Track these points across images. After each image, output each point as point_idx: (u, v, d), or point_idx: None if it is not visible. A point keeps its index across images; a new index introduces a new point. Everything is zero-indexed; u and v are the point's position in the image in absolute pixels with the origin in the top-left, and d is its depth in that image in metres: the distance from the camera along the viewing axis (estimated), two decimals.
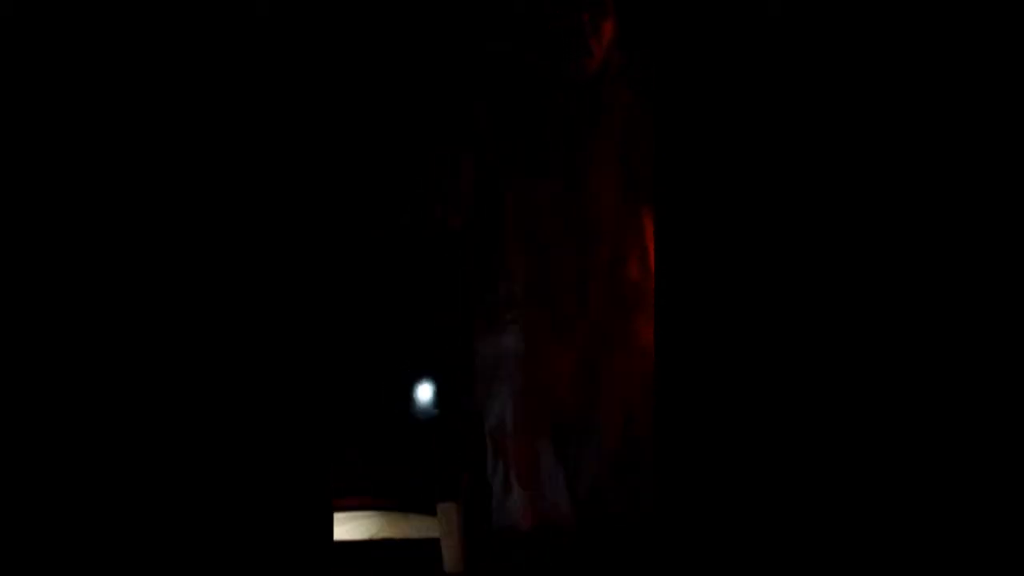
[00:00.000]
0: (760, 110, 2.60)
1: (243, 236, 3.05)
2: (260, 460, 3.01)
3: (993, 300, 2.53)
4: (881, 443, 2.56)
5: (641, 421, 3.32)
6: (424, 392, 3.82)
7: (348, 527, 3.85)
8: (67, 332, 2.97)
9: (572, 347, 3.41)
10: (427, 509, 3.67)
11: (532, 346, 3.42)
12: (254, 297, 3.04)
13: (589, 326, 3.40)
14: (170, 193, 3.04)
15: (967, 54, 2.60)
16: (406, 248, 3.79)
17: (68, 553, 2.94)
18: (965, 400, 2.52)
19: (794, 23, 2.60)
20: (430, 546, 3.59)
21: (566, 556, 3.41)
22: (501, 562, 3.47)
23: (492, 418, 3.47)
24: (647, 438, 3.23)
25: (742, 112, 2.61)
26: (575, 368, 3.41)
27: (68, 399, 2.95)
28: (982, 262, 2.55)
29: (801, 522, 2.58)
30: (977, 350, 2.53)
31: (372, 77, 3.72)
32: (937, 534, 2.52)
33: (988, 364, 2.52)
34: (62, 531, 2.93)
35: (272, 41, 3.07)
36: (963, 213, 2.55)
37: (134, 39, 3.08)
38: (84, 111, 3.06)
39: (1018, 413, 2.50)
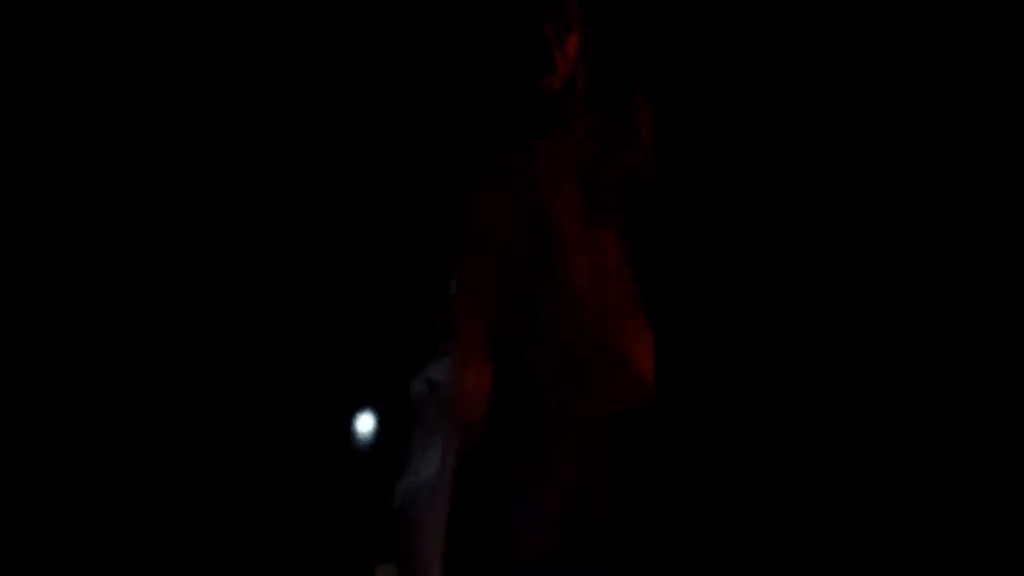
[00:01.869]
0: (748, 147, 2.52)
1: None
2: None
3: (993, 300, 2.53)
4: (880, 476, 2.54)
5: (600, 473, 3.07)
6: (363, 429, 3.56)
7: None
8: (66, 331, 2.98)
9: (519, 382, 3.15)
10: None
11: (464, 380, 3.14)
12: None
13: (537, 356, 3.15)
14: (164, 191, 3.07)
15: (967, 55, 2.58)
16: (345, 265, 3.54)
17: (69, 552, 2.92)
18: (965, 402, 2.53)
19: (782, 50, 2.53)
20: None
21: None
22: None
23: (425, 469, 3.18)
24: (606, 492, 2.99)
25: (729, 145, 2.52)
26: (520, 409, 3.15)
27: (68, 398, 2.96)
28: (982, 263, 2.54)
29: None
30: (977, 351, 2.53)
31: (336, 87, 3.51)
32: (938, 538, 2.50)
33: (988, 365, 2.52)
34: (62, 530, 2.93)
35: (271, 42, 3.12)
36: (962, 217, 2.47)
37: (134, 39, 3.07)
38: (83, 110, 3.03)
39: (1018, 413, 2.49)
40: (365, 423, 3.56)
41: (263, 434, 3.27)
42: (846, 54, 2.57)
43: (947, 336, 2.52)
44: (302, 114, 3.34)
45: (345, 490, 3.50)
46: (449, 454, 3.09)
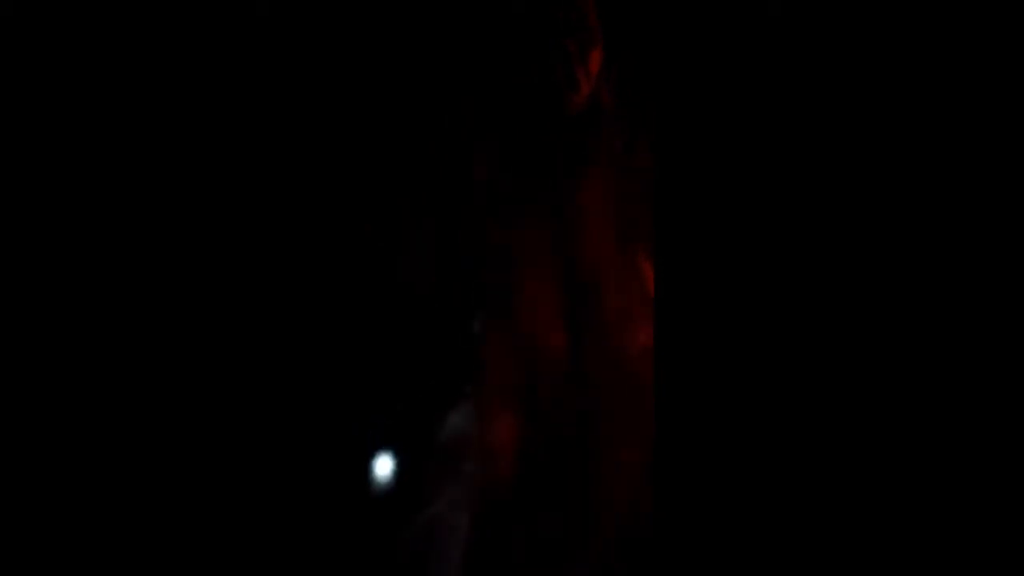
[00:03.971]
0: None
1: None
2: None
3: (993, 301, 2.46)
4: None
5: (641, 524, 2.89)
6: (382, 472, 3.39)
7: None
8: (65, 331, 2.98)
9: (553, 431, 2.98)
10: None
11: (491, 428, 2.97)
12: None
13: (583, 403, 2.96)
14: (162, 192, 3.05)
15: (966, 56, 2.49)
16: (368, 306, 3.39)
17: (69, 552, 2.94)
18: (965, 404, 2.45)
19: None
20: None
21: None
22: None
23: (441, 525, 3.00)
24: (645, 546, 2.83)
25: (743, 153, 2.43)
26: (554, 458, 2.97)
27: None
28: (982, 264, 2.47)
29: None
30: (977, 352, 2.45)
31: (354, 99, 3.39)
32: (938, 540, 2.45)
33: (988, 365, 2.45)
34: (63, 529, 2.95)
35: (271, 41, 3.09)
36: (962, 221, 2.47)
37: (134, 39, 3.07)
38: (83, 110, 3.05)
39: (1018, 413, 2.44)
40: (384, 466, 3.41)
41: (282, 475, 3.18)
42: (847, 58, 2.50)
43: (949, 347, 2.46)
44: (326, 152, 3.25)
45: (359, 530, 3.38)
46: (469, 508, 2.93)
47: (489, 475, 2.91)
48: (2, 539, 2.92)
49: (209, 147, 3.13)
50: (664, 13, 3.04)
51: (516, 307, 2.99)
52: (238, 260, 3.08)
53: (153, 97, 3.15)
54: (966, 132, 2.46)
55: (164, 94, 3.16)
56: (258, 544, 3.12)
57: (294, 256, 3.15)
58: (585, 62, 3.01)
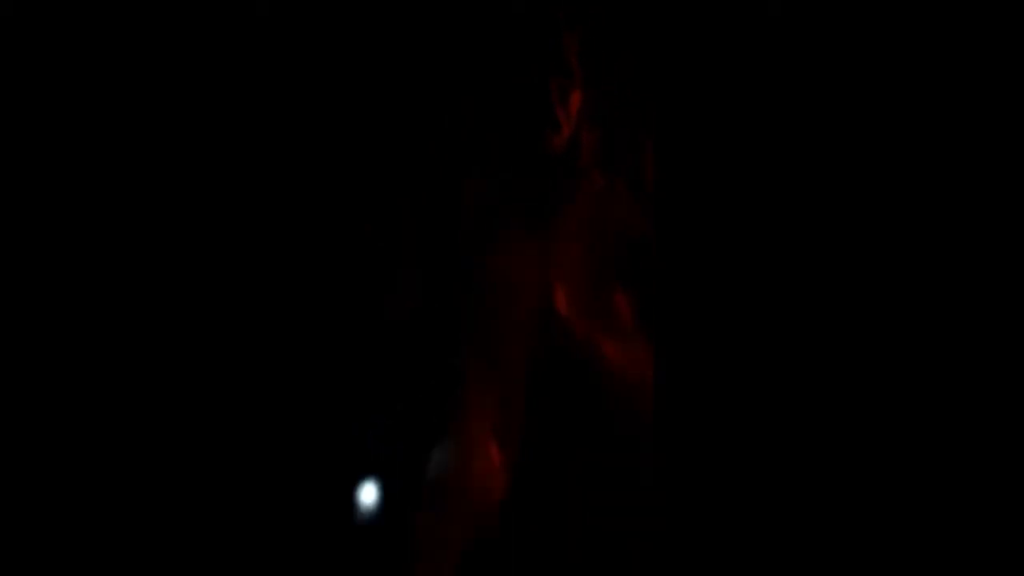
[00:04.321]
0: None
1: None
2: None
3: (993, 301, 2.48)
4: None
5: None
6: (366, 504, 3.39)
7: None
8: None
9: (534, 464, 3.01)
10: None
11: (474, 465, 2.99)
12: None
13: (562, 436, 3.01)
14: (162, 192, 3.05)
15: (967, 55, 2.52)
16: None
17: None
18: (965, 404, 2.47)
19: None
20: None
21: None
22: None
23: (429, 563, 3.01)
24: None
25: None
26: (538, 491, 3.00)
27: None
28: (981, 264, 2.48)
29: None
30: (977, 352, 2.47)
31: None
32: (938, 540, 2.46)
33: (988, 365, 2.47)
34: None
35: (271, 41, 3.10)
36: (962, 220, 2.49)
37: (134, 39, 3.08)
38: (82, 110, 3.04)
39: (1018, 413, 2.46)
40: (368, 496, 3.41)
41: (265, 505, 3.19)
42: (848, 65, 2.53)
43: (948, 350, 2.49)
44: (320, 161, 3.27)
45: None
46: (458, 546, 2.95)
47: (474, 510, 2.94)
48: (2, 539, 2.95)
49: (208, 147, 3.14)
50: (646, 58, 3.10)
51: (496, 341, 3.02)
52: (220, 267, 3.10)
53: (152, 97, 3.17)
54: (966, 132, 2.49)
55: (163, 94, 3.19)
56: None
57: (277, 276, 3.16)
58: (566, 104, 3.04)
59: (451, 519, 2.95)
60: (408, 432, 3.08)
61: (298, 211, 3.22)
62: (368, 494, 3.32)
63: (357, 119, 3.29)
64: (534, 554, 2.94)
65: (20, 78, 3.08)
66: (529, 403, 3.00)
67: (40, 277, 3.06)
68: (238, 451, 3.11)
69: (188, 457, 3.11)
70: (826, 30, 2.58)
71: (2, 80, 3.09)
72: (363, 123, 3.29)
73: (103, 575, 2.98)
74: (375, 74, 3.28)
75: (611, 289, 3.06)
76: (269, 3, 3.16)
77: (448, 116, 3.18)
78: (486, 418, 2.98)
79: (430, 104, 3.22)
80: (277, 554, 3.18)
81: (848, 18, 2.58)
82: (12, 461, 3.01)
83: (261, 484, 3.15)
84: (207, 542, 3.07)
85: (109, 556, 3.02)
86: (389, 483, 3.16)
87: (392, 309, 3.10)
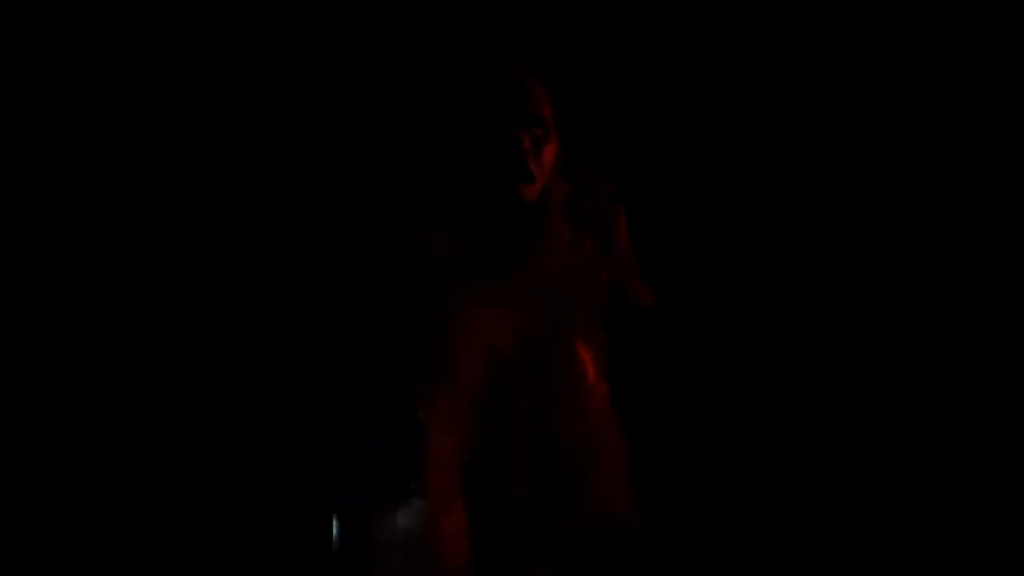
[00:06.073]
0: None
1: None
2: None
3: (993, 301, 2.52)
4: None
5: None
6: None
7: None
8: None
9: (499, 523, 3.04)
10: None
11: (440, 527, 2.97)
12: None
13: (524, 493, 3.04)
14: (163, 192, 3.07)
15: (967, 55, 2.58)
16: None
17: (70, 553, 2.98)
18: (965, 404, 2.52)
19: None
20: None
21: None
22: None
23: None
24: None
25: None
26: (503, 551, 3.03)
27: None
28: (981, 264, 2.54)
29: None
30: (977, 352, 2.52)
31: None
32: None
33: (988, 366, 2.51)
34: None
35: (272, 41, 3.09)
36: (963, 219, 2.56)
37: (134, 38, 3.10)
38: (82, 110, 3.07)
39: (1018, 413, 2.49)
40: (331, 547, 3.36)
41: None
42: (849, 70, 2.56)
43: (948, 350, 2.52)
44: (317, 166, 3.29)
45: None
46: None
47: (443, 569, 2.96)
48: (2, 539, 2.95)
49: (207, 148, 3.15)
50: (616, 110, 3.16)
51: (459, 395, 3.06)
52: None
53: (153, 97, 3.17)
54: (966, 132, 2.53)
55: (163, 94, 3.19)
56: None
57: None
58: (539, 156, 3.10)
59: None
60: (372, 486, 3.10)
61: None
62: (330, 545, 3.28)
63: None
64: None
65: (20, 78, 3.08)
66: (495, 455, 3.03)
67: (40, 277, 3.06)
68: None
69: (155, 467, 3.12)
70: (827, 31, 2.62)
71: (2, 80, 3.09)
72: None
73: (103, 575, 2.97)
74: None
75: (570, 340, 3.11)
76: (269, 4, 3.17)
77: (422, 159, 3.23)
78: (449, 476, 2.99)
79: (402, 147, 3.26)
80: None
81: (848, 20, 2.62)
82: (12, 461, 3.00)
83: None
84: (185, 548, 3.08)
85: (109, 556, 3.00)
86: (349, 537, 3.13)
87: (361, 364, 3.11)
